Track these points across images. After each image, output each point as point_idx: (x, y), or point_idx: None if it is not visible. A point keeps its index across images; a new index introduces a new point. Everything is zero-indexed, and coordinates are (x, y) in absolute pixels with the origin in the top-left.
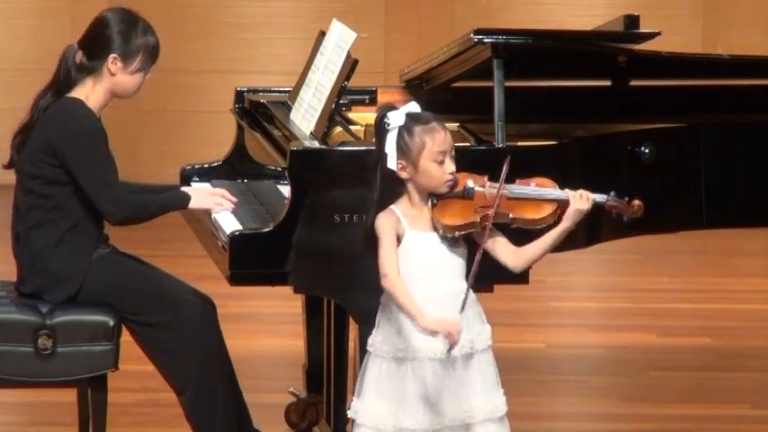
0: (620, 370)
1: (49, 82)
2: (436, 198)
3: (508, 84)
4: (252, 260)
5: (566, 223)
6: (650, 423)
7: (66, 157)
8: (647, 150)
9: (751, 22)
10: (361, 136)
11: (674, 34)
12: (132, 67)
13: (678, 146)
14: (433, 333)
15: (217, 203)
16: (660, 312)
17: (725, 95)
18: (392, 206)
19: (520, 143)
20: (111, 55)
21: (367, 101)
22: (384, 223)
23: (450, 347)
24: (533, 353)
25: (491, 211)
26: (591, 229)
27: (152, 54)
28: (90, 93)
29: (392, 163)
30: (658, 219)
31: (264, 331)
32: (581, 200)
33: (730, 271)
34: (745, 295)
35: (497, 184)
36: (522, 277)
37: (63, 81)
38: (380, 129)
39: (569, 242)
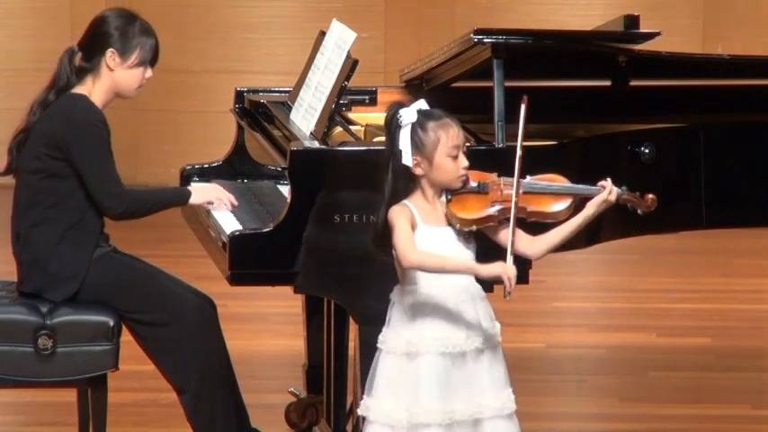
0: (620, 370)
1: (48, 84)
2: (450, 193)
3: (508, 84)
4: (252, 260)
5: (590, 209)
6: (650, 423)
7: (69, 149)
8: (647, 150)
9: (751, 22)
10: (361, 136)
11: (674, 34)
12: (130, 62)
13: (678, 146)
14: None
15: (218, 198)
16: (660, 312)
17: (725, 95)
18: (405, 201)
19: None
20: (109, 50)
21: (367, 101)
22: (398, 211)
23: (508, 293)
24: (534, 353)
25: (511, 204)
26: (591, 229)
27: (151, 50)
28: (91, 90)
29: (407, 159)
30: (658, 219)
31: (264, 331)
32: (608, 192)
33: (730, 271)
34: (745, 295)
35: (510, 180)
36: (522, 277)
37: (63, 83)
38: (393, 126)
39: (569, 242)
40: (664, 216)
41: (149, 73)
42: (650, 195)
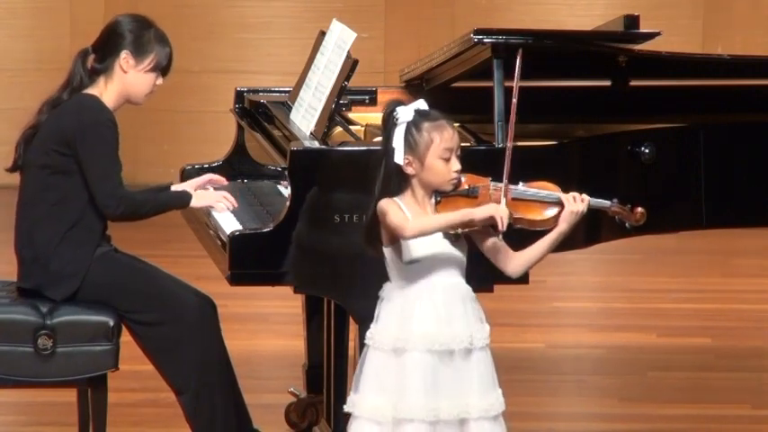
0: (620, 370)
1: (62, 84)
2: (440, 195)
3: (508, 84)
4: (252, 260)
5: (562, 226)
6: (650, 423)
7: (77, 145)
8: (647, 150)
9: (751, 22)
10: (361, 136)
11: (674, 34)
12: (144, 66)
13: (678, 146)
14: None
15: (218, 201)
16: (660, 312)
17: (725, 95)
18: (395, 198)
19: (520, 143)
20: (124, 51)
21: (367, 101)
22: (387, 201)
23: (499, 232)
24: (534, 353)
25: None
26: (591, 230)
27: (165, 58)
28: (103, 91)
29: (399, 157)
30: (658, 219)
31: (264, 331)
32: (575, 202)
33: (730, 271)
34: (745, 295)
35: (501, 185)
36: (522, 277)
37: (77, 84)
38: (388, 123)
39: (569, 242)
40: (664, 216)
41: (160, 81)
42: (639, 209)
